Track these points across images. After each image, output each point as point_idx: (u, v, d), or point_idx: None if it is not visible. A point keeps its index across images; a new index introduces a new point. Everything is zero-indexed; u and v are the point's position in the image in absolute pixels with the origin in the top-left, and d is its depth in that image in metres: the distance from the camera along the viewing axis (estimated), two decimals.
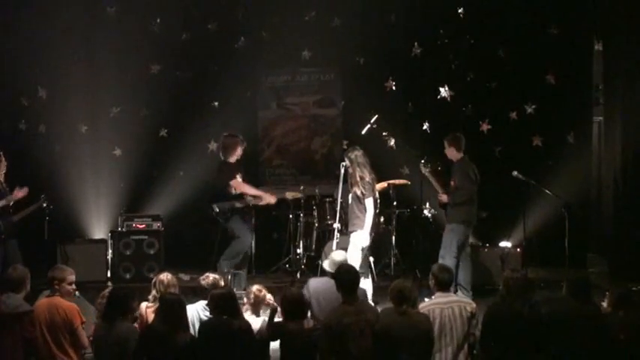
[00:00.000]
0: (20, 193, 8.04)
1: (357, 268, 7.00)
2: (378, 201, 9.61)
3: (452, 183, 8.21)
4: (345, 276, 5.55)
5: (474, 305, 5.65)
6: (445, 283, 5.66)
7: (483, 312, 5.62)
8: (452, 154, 8.26)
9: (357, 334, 5.16)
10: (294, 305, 5.43)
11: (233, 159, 8.60)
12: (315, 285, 6.24)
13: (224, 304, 5.35)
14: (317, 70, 11.11)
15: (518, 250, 9.02)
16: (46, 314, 5.65)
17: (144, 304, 6.11)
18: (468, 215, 8.17)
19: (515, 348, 5.31)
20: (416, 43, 10.46)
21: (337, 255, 6.39)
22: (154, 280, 6.21)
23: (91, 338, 5.69)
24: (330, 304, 5.75)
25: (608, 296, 5.83)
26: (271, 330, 5.49)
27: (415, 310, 5.38)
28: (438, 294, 5.61)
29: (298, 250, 9.89)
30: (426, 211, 9.50)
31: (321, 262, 9.24)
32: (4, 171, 8.06)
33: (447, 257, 8.01)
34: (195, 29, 10.71)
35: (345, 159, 7.56)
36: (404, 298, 5.27)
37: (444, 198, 8.20)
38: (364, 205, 7.53)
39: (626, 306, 5.51)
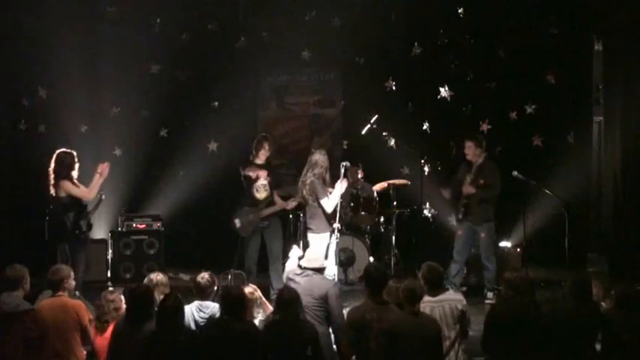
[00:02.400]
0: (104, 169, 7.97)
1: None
2: (378, 200, 9.69)
3: (481, 182, 8.27)
4: (375, 273, 5.57)
5: (465, 302, 5.66)
6: (434, 283, 5.66)
7: (484, 311, 5.62)
8: (476, 153, 8.33)
9: (379, 334, 5.15)
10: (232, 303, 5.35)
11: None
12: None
13: (228, 306, 5.33)
14: (317, 70, 11.10)
15: (518, 250, 9.03)
16: (55, 314, 5.63)
17: None
18: (493, 213, 8.41)
19: (517, 347, 5.31)
20: (416, 43, 10.46)
21: (312, 253, 6.45)
22: (145, 280, 6.20)
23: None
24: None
25: (610, 296, 5.82)
26: None
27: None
28: (429, 293, 5.62)
29: None
30: (426, 211, 9.51)
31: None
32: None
33: (491, 257, 8.30)
34: (195, 29, 10.70)
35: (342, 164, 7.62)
36: (416, 297, 5.27)
37: (470, 189, 8.26)
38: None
39: (629, 305, 5.49)
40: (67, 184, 7.72)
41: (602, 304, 6.01)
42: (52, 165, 7.86)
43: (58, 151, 7.94)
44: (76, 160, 7.93)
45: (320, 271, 6.22)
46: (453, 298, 5.68)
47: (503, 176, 8.74)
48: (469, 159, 8.41)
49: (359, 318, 5.28)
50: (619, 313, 5.51)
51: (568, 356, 5.37)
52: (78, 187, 7.78)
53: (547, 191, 8.70)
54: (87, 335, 5.69)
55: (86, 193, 7.78)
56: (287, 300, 5.37)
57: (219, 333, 5.21)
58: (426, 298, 5.55)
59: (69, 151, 7.96)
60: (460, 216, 8.42)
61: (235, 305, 5.29)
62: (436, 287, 5.65)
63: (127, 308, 5.47)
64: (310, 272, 6.09)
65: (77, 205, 7.83)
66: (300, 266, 6.26)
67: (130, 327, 5.26)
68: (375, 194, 9.69)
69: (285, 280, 6.27)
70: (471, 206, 8.29)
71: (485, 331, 5.51)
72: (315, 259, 6.27)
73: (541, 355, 5.33)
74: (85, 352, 5.73)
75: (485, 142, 8.43)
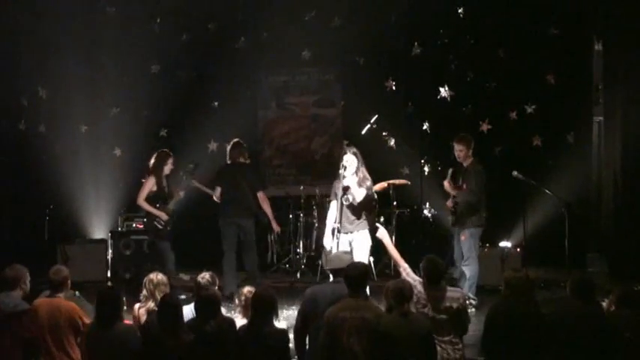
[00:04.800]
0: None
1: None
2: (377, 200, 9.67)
3: (464, 186, 7.99)
4: (353, 272, 5.53)
5: (462, 300, 5.64)
6: (435, 277, 5.65)
7: (485, 312, 5.61)
8: (463, 155, 8.05)
9: (353, 331, 5.12)
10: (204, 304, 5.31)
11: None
12: (316, 291, 5.86)
13: (203, 307, 5.32)
14: (317, 70, 11.12)
15: (518, 250, 9.01)
16: (50, 315, 5.59)
17: (137, 305, 6.11)
18: (480, 220, 8.02)
19: (517, 348, 5.30)
20: (416, 43, 10.46)
21: (342, 255, 6.34)
22: (144, 280, 6.20)
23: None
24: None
25: (611, 296, 5.80)
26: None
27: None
28: (429, 287, 5.61)
29: (298, 250, 9.90)
30: (426, 211, 9.52)
31: (321, 262, 9.23)
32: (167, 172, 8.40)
33: (472, 263, 7.94)
34: (195, 29, 10.72)
35: (349, 154, 7.47)
36: (404, 297, 5.25)
37: (449, 189, 8.03)
38: (369, 204, 7.50)
39: (631, 304, 5.48)
40: (145, 181, 8.33)
41: (603, 303, 5.99)
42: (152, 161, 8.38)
43: (159, 151, 8.45)
44: (169, 158, 8.38)
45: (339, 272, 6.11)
46: (451, 296, 5.66)
47: (503, 176, 8.75)
48: (459, 161, 8.13)
49: (332, 316, 5.23)
50: (621, 312, 5.50)
51: (570, 356, 5.35)
52: (145, 188, 8.33)
53: (547, 191, 8.69)
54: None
55: (138, 197, 8.34)
56: (260, 304, 5.26)
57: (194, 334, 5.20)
58: (424, 294, 5.55)
59: (165, 150, 8.48)
60: (451, 221, 8.25)
61: (208, 305, 5.29)
62: (435, 282, 5.65)
63: (96, 310, 5.39)
64: (339, 279, 5.86)
65: (156, 201, 8.25)
66: (325, 270, 6.10)
67: (99, 329, 5.25)
68: (375, 194, 9.68)
69: (309, 294, 5.86)
70: (458, 210, 8.05)
71: (485, 331, 5.50)
72: (336, 257, 6.13)
73: (541, 356, 5.32)
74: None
75: (473, 143, 8.10)
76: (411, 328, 5.12)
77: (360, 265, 5.79)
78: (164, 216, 8.30)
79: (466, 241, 7.99)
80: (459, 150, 8.07)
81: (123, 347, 5.15)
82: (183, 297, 6.36)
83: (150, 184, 8.30)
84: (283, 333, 5.29)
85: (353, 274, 5.47)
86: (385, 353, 5.07)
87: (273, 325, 5.26)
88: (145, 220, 8.51)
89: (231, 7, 10.68)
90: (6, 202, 10.12)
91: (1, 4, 10.00)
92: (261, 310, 5.22)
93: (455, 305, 5.56)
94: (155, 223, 8.27)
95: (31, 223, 9.63)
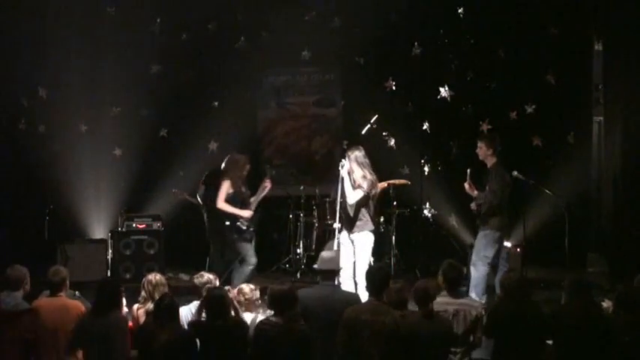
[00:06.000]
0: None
1: (367, 268, 6.95)
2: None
3: (487, 187, 7.81)
4: (376, 275, 5.53)
5: (481, 310, 5.63)
6: (454, 282, 5.64)
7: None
8: (482, 153, 7.87)
9: (373, 334, 5.12)
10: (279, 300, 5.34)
11: None
12: (303, 296, 5.80)
13: (211, 305, 5.35)
14: (317, 70, 11.11)
15: (518, 250, 9.01)
16: (53, 315, 5.60)
17: (135, 306, 6.11)
18: (501, 223, 7.79)
19: (515, 348, 5.31)
20: (416, 43, 10.45)
21: (326, 253, 6.33)
22: (143, 281, 6.20)
23: None
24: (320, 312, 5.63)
25: (613, 295, 5.80)
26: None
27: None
28: (444, 293, 5.59)
29: (298, 250, 9.91)
30: (426, 211, 9.52)
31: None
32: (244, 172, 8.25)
33: (478, 264, 7.66)
34: (195, 29, 10.70)
35: (345, 158, 7.53)
36: (429, 297, 5.24)
37: (468, 189, 7.90)
38: (369, 205, 7.48)
39: (631, 306, 5.47)
40: (220, 184, 8.11)
41: (603, 304, 6.00)
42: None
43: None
44: (239, 159, 8.22)
45: (333, 274, 6.09)
46: (469, 303, 5.65)
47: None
48: (480, 159, 7.95)
49: (353, 317, 5.23)
50: (620, 315, 5.49)
51: (568, 356, 5.35)
52: (222, 191, 8.08)
53: (547, 191, 8.70)
54: None
55: (217, 201, 8.11)
56: (279, 300, 5.30)
57: (201, 332, 5.26)
58: (444, 299, 5.54)
59: (239, 155, 8.33)
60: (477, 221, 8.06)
61: (216, 305, 5.32)
62: (455, 286, 5.63)
63: (95, 300, 5.49)
64: (328, 283, 5.92)
65: (235, 204, 8.06)
66: (314, 269, 6.11)
67: (93, 316, 5.39)
68: (377, 195, 9.67)
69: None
70: (482, 210, 7.83)
71: (485, 330, 5.52)
72: (329, 259, 6.14)
73: (539, 356, 5.33)
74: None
75: (495, 143, 7.90)
76: (434, 331, 5.11)
77: (383, 268, 5.81)
78: (245, 214, 8.01)
79: (479, 241, 7.80)
80: (478, 147, 7.91)
81: (115, 334, 5.27)
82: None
83: (226, 187, 8.06)
84: (308, 330, 5.31)
85: (377, 276, 5.48)
86: (408, 355, 5.07)
87: (299, 321, 5.30)
88: (228, 222, 8.08)
89: (231, 7, 10.67)
90: (6, 202, 10.11)
91: (1, 3, 10.00)
92: (283, 305, 5.26)
93: (474, 313, 5.53)
94: (238, 224, 8.03)
95: (31, 223, 9.63)
